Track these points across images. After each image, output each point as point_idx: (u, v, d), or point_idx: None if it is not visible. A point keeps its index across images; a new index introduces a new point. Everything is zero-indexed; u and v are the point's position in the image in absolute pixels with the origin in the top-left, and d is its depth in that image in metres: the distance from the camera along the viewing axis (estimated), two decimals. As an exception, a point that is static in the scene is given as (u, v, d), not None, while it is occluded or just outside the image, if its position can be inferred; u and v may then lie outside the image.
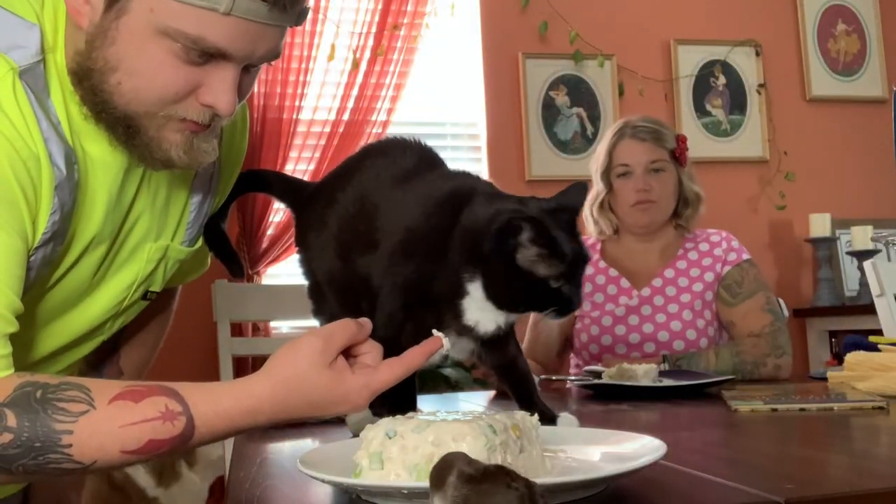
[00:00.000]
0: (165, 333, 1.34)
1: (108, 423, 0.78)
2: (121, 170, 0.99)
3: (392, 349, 0.90)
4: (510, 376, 1.12)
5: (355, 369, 0.86)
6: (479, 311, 1.02)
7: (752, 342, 1.85)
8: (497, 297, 1.00)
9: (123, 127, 0.91)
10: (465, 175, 1.13)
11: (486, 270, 0.99)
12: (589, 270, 2.08)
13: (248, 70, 0.94)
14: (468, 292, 1.01)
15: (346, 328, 0.86)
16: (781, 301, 2.04)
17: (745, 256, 2.00)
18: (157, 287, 1.13)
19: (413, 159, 1.13)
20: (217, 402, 0.82)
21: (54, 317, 1.03)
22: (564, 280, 0.99)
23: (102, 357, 1.25)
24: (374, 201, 1.10)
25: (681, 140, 2.06)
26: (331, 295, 1.15)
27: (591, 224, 2.14)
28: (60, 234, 0.93)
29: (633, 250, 2.08)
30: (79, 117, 0.94)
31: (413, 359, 0.88)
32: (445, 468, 0.49)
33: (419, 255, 1.04)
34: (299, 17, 0.94)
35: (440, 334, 0.90)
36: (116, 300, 1.08)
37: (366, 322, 0.89)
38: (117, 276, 1.06)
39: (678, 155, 2.03)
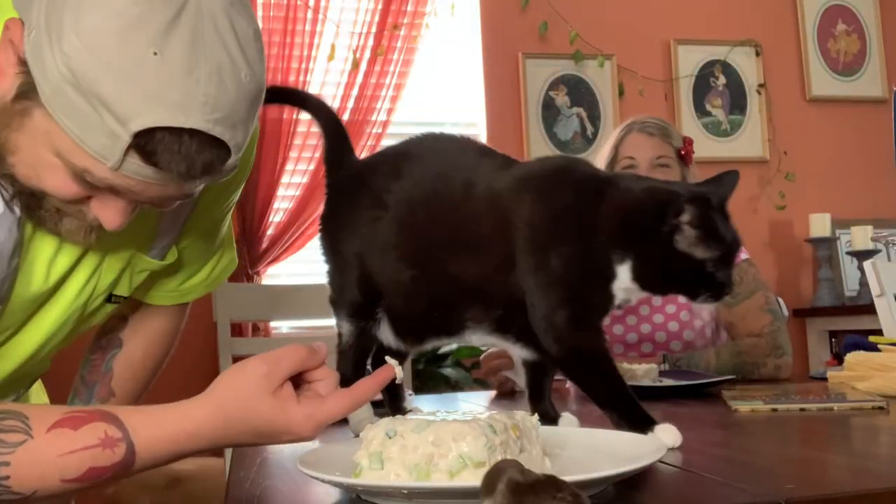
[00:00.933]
0: (167, 356, 1.30)
1: (46, 452, 0.77)
2: None
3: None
4: (536, 368, 1.09)
5: (303, 398, 0.82)
6: (623, 293, 1.00)
7: (751, 342, 1.85)
8: (648, 278, 0.97)
9: (26, 194, 0.87)
10: (557, 158, 1.09)
11: (640, 252, 0.96)
12: None
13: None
14: (616, 275, 0.98)
15: (294, 354, 0.82)
16: (781, 300, 2.03)
17: (744, 256, 1.98)
18: (123, 292, 1.10)
19: (469, 153, 1.08)
20: (158, 426, 0.80)
21: (14, 325, 1.01)
22: (720, 264, 0.97)
23: (96, 377, 1.24)
24: (457, 201, 1.03)
25: (687, 141, 2.05)
26: (397, 300, 1.07)
27: None
28: (7, 272, 0.91)
29: None
30: None
31: (364, 390, 0.84)
32: (497, 474, 0.50)
33: (562, 243, 0.98)
34: (194, 190, 0.88)
35: (394, 362, 0.86)
36: (76, 309, 1.05)
37: (320, 347, 0.85)
38: (73, 289, 1.04)
39: (684, 154, 2.02)
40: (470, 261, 1.01)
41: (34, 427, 0.77)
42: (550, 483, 0.48)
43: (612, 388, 0.97)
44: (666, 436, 0.90)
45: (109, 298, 1.09)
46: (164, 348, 1.29)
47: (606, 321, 1.95)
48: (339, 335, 1.12)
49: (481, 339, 1.07)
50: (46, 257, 0.98)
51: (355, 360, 1.12)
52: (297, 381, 0.84)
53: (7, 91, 0.82)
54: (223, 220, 1.20)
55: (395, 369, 0.86)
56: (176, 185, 0.83)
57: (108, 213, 0.87)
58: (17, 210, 0.90)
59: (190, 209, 1.11)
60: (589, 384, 1.01)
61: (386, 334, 1.10)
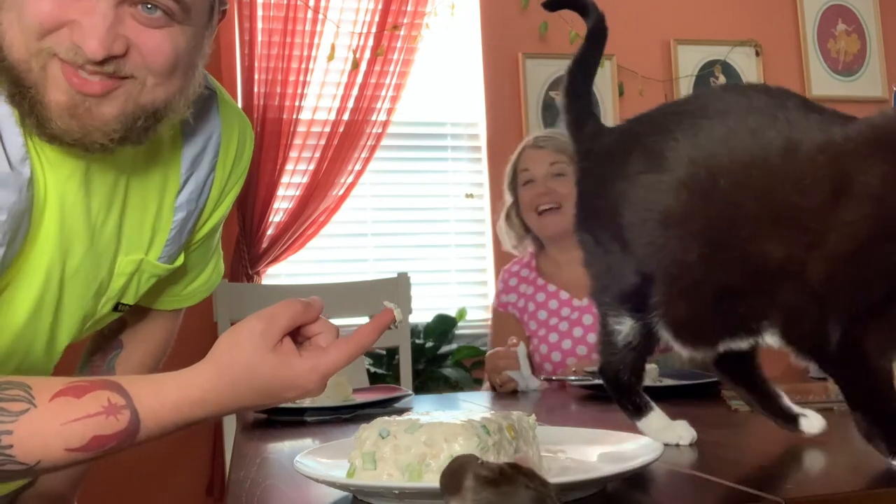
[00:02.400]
0: (164, 356, 1.31)
1: (49, 420, 0.75)
2: (75, 172, 0.95)
3: None
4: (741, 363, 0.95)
5: (304, 352, 0.81)
6: None
7: None
8: None
9: (14, 87, 0.86)
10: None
11: None
12: (528, 289, 2.09)
13: (137, 18, 0.86)
14: None
15: (289, 308, 0.81)
16: None
17: None
18: (129, 300, 1.10)
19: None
20: (162, 393, 0.79)
21: (22, 330, 1.00)
22: None
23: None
24: (774, 165, 0.81)
25: None
26: (676, 286, 0.86)
27: (504, 239, 2.16)
28: (15, 235, 0.89)
29: (561, 261, 2.07)
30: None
31: (365, 336, 0.83)
32: (459, 471, 0.48)
33: None
34: None
35: (392, 305, 0.84)
36: (83, 311, 1.05)
37: (315, 301, 0.84)
38: (84, 286, 1.03)
39: None
40: (780, 239, 0.80)
41: (37, 396, 0.76)
42: (518, 471, 0.47)
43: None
44: None
45: (116, 307, 1.10)
46: (162, 349, 1.30)
47: (555, 338, 1.95)
48: (610, 333, 0.93)
49: (779, 341, 0.87)
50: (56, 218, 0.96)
51: (634, 364, 0.94)
52: (297, 337, 0.83)
53: None
54: (221, 224, 1.21)
55: (394, 312, 0.84)
56: None
57: (86, 26, 0.83)
58: (27, 171, 0.88)
59: (198, 215, 1.11)
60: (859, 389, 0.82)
61: (663, 335, 0.91)
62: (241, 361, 0.79)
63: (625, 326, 0.92)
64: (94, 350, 1.25)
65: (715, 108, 0.86)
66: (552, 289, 2.05)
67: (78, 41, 0.84)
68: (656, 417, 0.95)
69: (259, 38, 3.19)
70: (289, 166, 3.21)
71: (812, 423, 0.93)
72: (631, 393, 0.96)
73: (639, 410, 0.96)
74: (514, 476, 0.47)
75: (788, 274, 0.80)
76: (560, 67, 3.59)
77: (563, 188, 2.00)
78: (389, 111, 3.32)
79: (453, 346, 3.23)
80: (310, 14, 3.24)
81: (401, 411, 1.31)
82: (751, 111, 0.84)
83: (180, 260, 1.12)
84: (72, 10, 0.84)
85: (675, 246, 0.85)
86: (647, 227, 0.87)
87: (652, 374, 1.54)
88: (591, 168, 0.96)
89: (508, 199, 2.13)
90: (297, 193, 3.21)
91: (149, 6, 0.86)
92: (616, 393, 0.97)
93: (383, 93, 3.30)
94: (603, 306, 0.94)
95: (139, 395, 0.78)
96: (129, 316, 1.24)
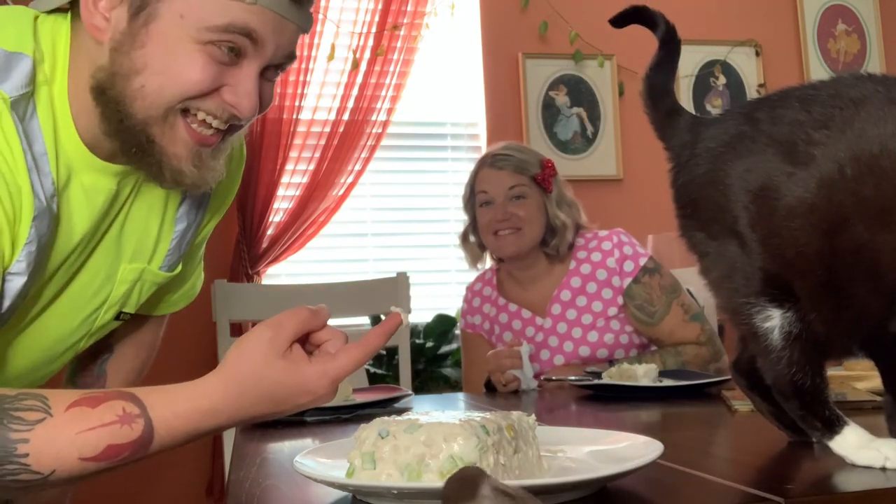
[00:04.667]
0: (151, 359, 1.33)
1: (64, 429, 0.76)
2: (109, 195, 1.00)
3: None
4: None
5: (313, 358, 0.82)
6: None
7: (694, 352, 1.84)
8: None
9: (138, 138, 0.93)
10: None
11: None
12: (491, 310, 2.07)
13: (266, 77, 0.97)
14: None
15: (297, 315, 0.82)
16: (692, 291, 1.98)
17: (642, 262, 1.91)
18: (130, 308, 1.13)
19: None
20: (174, 403, 0.79)
21: (24, 336, 1.03)
22: None
23: (90, 380, 1.27)
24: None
25: (546, 165, 1.99)
26: (798, 282, 0.79)
27: (466, 257, 2.12)
28: (37, 267, 0.93)
29: (521, 278, 2.03)
30: (70, 148, 0.94)
31: (373, 340, 0.83)
32: (473, 480, 0.47)
33: None
34: (308, 21, 0.98)
35: (398, 309, 0.85)
36: (87, 319, 1.08)
37: (321, 308, 0.84)
38: (88, 295, 1.06)
39: (540, 181, 1.96)
40: None
41: (53, 406, 0.77)
42: (528, 497, 0.47)
43: None
44: None
45: (118, 316, 1.12)
46: (149, 352, 1.33)
47: (531, 349, 1.92)
48: (764, 336, 0.81)
49: None
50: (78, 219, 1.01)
51: (809, 359, 0.80)
52: (305, 345, 0.83)
53: (118, 17, 0.90)
54: (210, 233, 1.25)
55: (401, 315, 0.84)
56: (292, 23, 0.94)
57: (243, 91, 0.93)
58: (55, 207, 0.93)
59: (197, 225, 1.15)
60: None
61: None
62: (249, 370, 0.79)
63: (775, 319, 0.80)
64: (83, 356, 1.26)
65: (849, 97, 0.79)
66: (513, 308, 2.01)
67: (233, 103, 0.93)
68: (852, 432, 0.79)
69: (259, 38, 3.19)
70: (289, 166, 3.21)
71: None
72: (818, 403, 0.80)
73: (831, 427, 0.79)
74: (526, 497, 0.47)
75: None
76: (560, 67, 3.60)
77: (522, 211, 1.94)
78: (389, 111, 3.32)
79: (453, 345, 3.22)
80: (310, 14, 3.23)
81: (401, 411, 1.31)
82: (890, 102, 0.78)
83: (179, 268, 1.16)
84: (227, 76, 0.93)
85: (797, 237, 0.77)
86: (774, 220, 0.79)
87: (651, 374, 1.54)
88: (694, 159, 0.87)
89: (466, 218, 2.07)
90: (297, 193, 3.21)
91: (281, 68, 0.99)
92: (800, 408, 0.81)
93: (383, 93, 3.30)
94: (742, 311, 0.82)
95: (153, 405, 0.79)
96: (116, 345, 1.28)
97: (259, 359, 0.79)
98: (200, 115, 0.93)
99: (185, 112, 0.93)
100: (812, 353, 0.81)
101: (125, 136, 0.93)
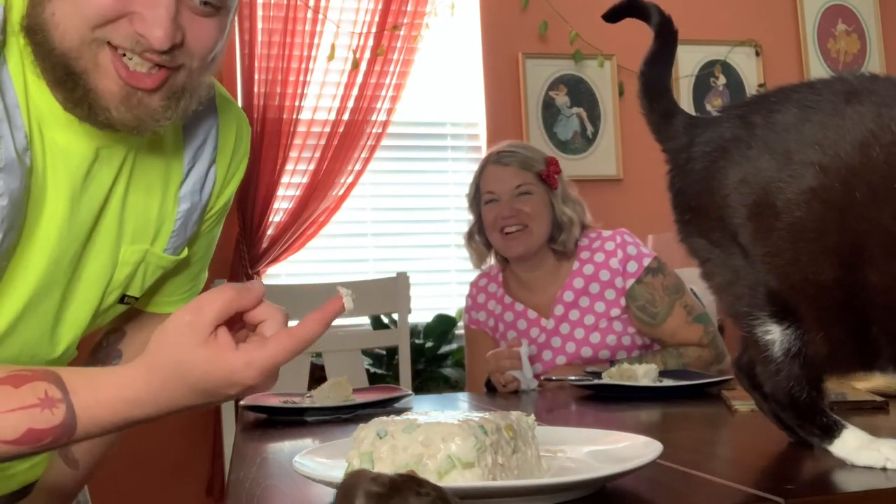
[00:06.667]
0: None
1: None
2: (85, 159, 0.97)
3: None
4: None
5: (242, 345, 0.75)
6: None
7: (696, 354, 1.84)
8: None
9: (64, 74, 0.88)
10: None
11: None
12: (496, 307, 2.07)
13: (195, 10, 0.90)
14: None
15: (218, 296, 0.74)
16: (695, 290, 1.98)
17: (646, 262, 1.91)
18: (135, 292, 1.10)
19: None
20: (98, 391, 0.75)
21: (21, 314, 1.01)
22: None
23: None
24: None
25: (551, 162, 2.00)
26: (807, 308, 0.77)
27: (471, 257, 2.11)
28: (14, 222, 0.89)
29: (527, 279, 2.02)
30: (42, 102, 0.92)
31: (308, 328, 0.76)
32: (351, 490, 0.47)
33: None
34: None
35: (344, 290, 0.77)
36: (92, 301, 1.05)
37: (251, 285, 0.77)
38: (90, 277, 1.03)
39: (545, 177, 1.97)
40: None
41: None
42: (411, 481, 0.47)
43: None
44: None
45: (122, 299, 1.10)
46: None
47: (533, 350, 1.92)
48: (763, 348, 0.81)
49: None
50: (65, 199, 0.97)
51: (808, 375, 0.80)
52: (237, 325, 0.78)
53: None
54: (221, 221, 1.22)
55: (345, 299, 0.76)
56: None
57: (152, 17, 0.86)
58: (28, 160, 0.90)
59: (202, 207, 1.12)
60: None
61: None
62: (170, 359, 0.74)
63: (775, 334, 0.79)
64: (93, 361, 1.26)
65: (863, 90, 0.74)
66: (520, 308, 2.00)
67: (142, 31, 0.86)
68: (851, 435, 0.79)
69: (259, 38, 3.19)
70: (289, 166, 3.21)
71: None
72: (814, 412, 0.80)
73: (828, 432, 0.80)
74: (404, 486, 0.47)
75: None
76: (560, 67, 3.60)
77: (528, 208, 1.93)
78: (389, 111, 3.32)
79: (453, 345, 3.22)
80: (310, 14, 3.24)
81: (400, 411, 1.31)
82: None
83: (185, 252, 1.13)
84: (135, 2, 0.86)
85: (808, 265, 0.73)
86: (772, 238, 0.75)
87: (651, 374, 1.54)
88: (690, 163, 0.84)
89: (472, 217, 2.06)
90: (297, 193, 3.21)
91: (209, 3, 0.91)
92: (797, 418, 0.82)
93: (383, 93, 3.30)
94: (743, 320, 0.81)
95: (76, 389, 0.75)
96: (126, 325, 1.25)
97: (179, 346, 0.73)
98: (120, 51, 0.87)
99: (115, 49, 0.88)
100: (811, 370, 0.80)
101: (53, 75, 0.88)
